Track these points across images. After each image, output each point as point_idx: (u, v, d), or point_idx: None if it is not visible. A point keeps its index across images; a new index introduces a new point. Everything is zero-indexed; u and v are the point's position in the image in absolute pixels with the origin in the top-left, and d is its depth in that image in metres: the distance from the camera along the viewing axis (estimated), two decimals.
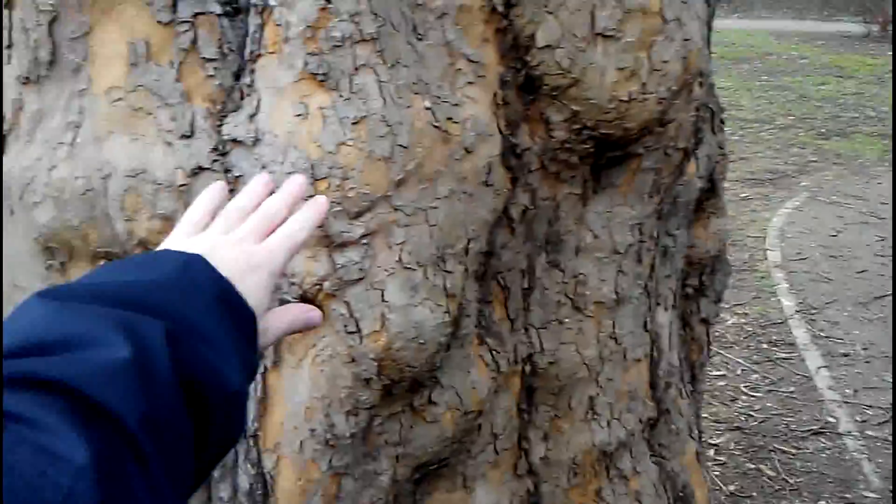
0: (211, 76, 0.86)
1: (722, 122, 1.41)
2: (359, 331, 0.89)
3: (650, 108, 1.04)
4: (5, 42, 0.86)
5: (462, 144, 0.93)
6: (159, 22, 0.83)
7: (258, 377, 0.94)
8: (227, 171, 0.85)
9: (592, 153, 1.11)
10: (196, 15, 0.83)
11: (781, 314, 3.46)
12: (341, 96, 0.84)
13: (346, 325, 0.89)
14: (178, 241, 0.58)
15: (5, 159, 0.88)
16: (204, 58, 0.85)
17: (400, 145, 0.86)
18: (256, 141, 0.84)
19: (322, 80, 0.84)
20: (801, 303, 3.54)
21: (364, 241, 0.87)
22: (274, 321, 0.59)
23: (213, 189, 0.63)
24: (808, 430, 2.67)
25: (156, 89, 0.84)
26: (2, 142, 0.88)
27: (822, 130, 6.01)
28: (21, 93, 0.85)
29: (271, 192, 0.62)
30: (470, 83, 0.96)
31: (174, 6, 0.83)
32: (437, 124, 0.90)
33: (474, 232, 0.98)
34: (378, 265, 0.88)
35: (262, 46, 0.84)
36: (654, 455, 1.45)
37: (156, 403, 0.42)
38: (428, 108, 0.89)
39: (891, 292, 3.47)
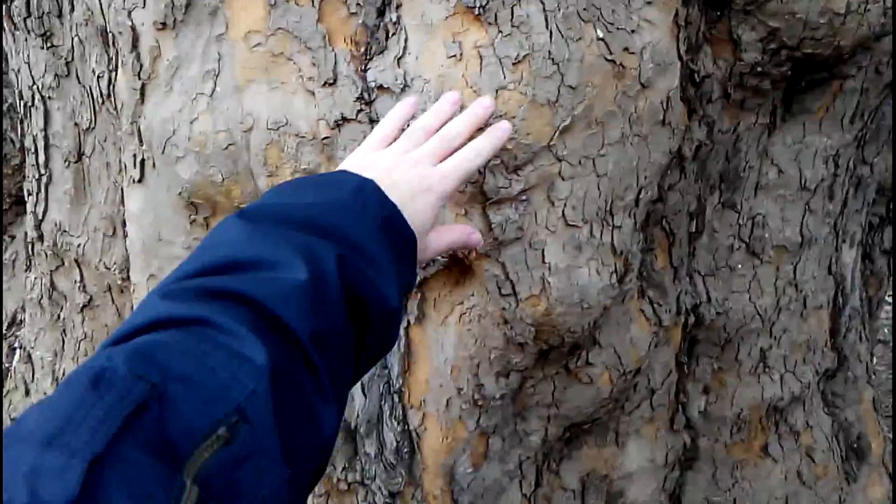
0: (353, 14, 0.76)
1: None
2: (514, 294, 0.81)
3: (872, 20, 0.85)
4: None
5: (638, 79, 0.80)
6: None
7: (402, 332, 0.88)
8: (372, 121, 0.76)
9: (788, 77, 0.94)
10: None
11: None
12: (501, 31, 0.73)
13: (499, 287, 0.81)
14: (364, 155, 0.65)
15: (145, 109, 0.84)
16: None
17: (568, 86, 0.74)
18: (405, 87, 0.74)
19: (479, 14, 0.72)
20: None
21: (523, 197, 0.77)
22: (436, 239, 0.65)
23: (405, 104, 0.69)
24: None
25: (296, 32, 0.75)
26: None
27: None
28: (157, 39, 0.79)
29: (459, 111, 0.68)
30: (648, 3, 0.81)
31: None
32: (610, 57, 0.77)
33: (646, 179, 0.86)
34: (538, 223, 0.78)
35: None
36: (827, 406, 1.31)
37: (325, 320, 0.49)
38: (601, 39, 0.76)
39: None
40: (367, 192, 0.57)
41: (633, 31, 0.79)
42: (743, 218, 1.08)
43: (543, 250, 0.79)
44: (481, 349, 0.87)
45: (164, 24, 0.78)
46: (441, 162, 0.63)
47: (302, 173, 0.79)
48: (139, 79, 0.82)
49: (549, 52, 0.73)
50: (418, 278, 0.83)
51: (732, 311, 1.11)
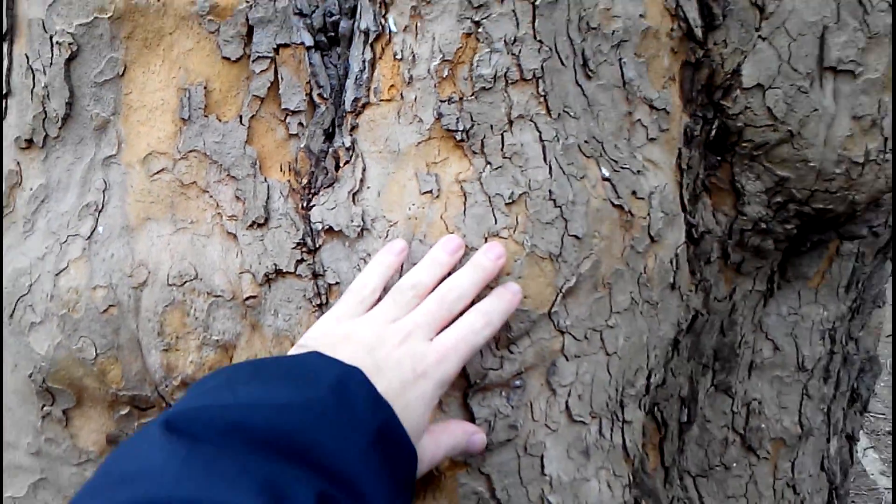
0: (294, 135, 0.58)
1: None
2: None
3: (888, 172, 0.75)
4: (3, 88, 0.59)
5: (647, 231, 0.64)
6: (226, 59, 0.56)
7: None
8: (317, 275, 0.56)
9: (794, 236, 0.82)
10: (278, 48, 0.56)
11: None
12: (489, 163, 0.56)
13: None
14: (338, 323, 0.50)
15: None
16: (287, 109, 0.58)
17: (573, 236, 0.58)
18: (363, 231, 0.56)
19: (461, 140, 0.56)
20: None
21: (517, 381, 0.57)
22: (431, 445, 0.50)
23: (391, 250, 0.53)
24: None
25: (216, 156, 0.57)
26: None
27: None
28: (19, 162, 0.59)
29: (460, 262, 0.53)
30: (651, 140, 0.67)
31: (249, 35, 0.56)
32: (618, 202, 0.61)
33: (656, 358, 0.69)
34: (535, 419, 0.58)
35: (372, 91, 0.57)
36: None
37: None
38: (606, 179, 0.61)
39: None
40: (352, 390, 0.43)
41: (638, 172, 0.64)
42: (737, 404, 0.92)
43: (542, 456, 0.58)
44: None
45: (30, 141, 0.58)
46: (439, 333, 0.50)
47: (213, 346, 0.57)
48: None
49: (550, 191, 0.57)
50: None
51: None
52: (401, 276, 0.53)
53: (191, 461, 0.37)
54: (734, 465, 0.93)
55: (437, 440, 0.50)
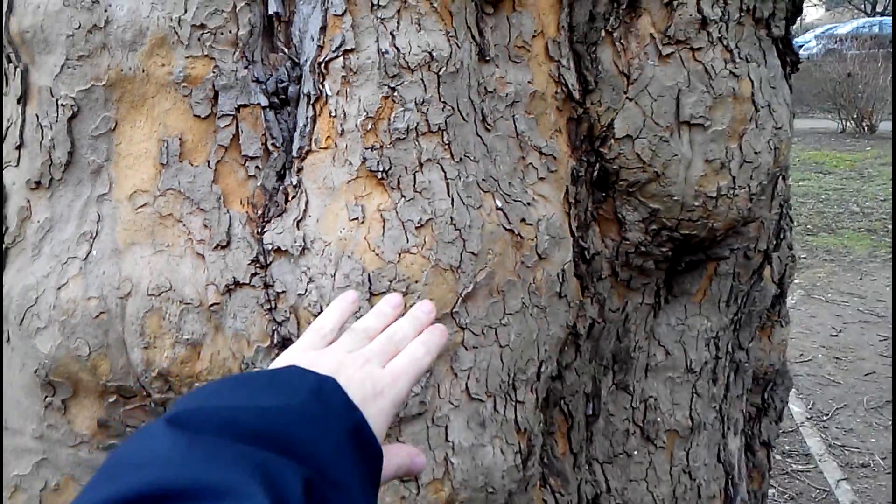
0: (252, 176, 0.74)
1: (791, 220, 1.29)
2: (415, 478, 0.73)
3: (740, 205, 0.92)
4: (13, 141, 0.74)
5: (535, 250, 0.80)
6: (197, 116, 0.72)
7: None
8: (267, 286, 0.71)
9: (670, 257, 0.99)
10: (239, 108, 0.72)
11: (792, 422, 3.23)
12: (404, 196, 0.72)
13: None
14: (304, 353, 0.56)
15: (5, 277, 0.75)
16: (246, 156, 0.73)
17: (470, 252, 0.74)
18: (304, 250, 0.71)
19: (382, 178, 0.72)
20: (810, 408, 3.31)
21: None
22: (384, 460, 0.55)
23: (346, 299, 0.60)
24: None
25: (188, 192, 0.72)
26: (2, 254, 0.75)
27: (809, 227, 5.86)
28: (29, 199, 0.73)
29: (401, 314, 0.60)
30: (541, 179, 0.84)
31: (215, 98, 0.72)
32: (509, 227, 0.78)
33: (546, 353, 0.84)
34: (441, 396, 0.73)
35: (313, 141, 0.73)
36: None
37: None
38: (499, 209, 0.77)
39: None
40: (328, 394, 0.49)
41: (528, 204, 0.81)
42: (636, 400, 1.08)
43: (447, 427, 0.73)
44: None
45: (38, 182, 0.72)
46: (388, 363, 0.56)
47: (184, 345, 0.71)
48: (2, 243, 0.74)
49: (452, 217, 0.73)
50: None
51: (631, 501, 1.08)
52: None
53: (193, 449, 0.41)
54: (635, 452, 1.08)
55: (388, 458, 0.55)
